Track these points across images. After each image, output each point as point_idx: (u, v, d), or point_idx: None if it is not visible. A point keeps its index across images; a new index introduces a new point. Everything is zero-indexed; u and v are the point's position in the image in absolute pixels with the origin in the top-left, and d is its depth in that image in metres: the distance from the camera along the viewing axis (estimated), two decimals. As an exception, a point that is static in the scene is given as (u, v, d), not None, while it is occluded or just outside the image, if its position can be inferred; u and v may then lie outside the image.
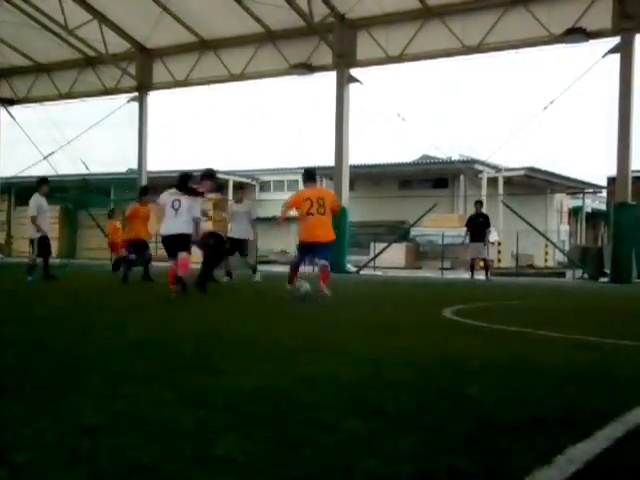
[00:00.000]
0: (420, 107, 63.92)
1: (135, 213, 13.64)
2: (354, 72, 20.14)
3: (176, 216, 9.45)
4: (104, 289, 11.84)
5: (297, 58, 20.64)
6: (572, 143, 79.84)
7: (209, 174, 10.56)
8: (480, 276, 16.92)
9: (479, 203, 17.57)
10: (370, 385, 3.44)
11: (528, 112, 20.11)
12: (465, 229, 17.22)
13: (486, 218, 16.95)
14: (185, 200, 9.54)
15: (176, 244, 9.47)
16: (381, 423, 2.65)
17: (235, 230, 13.95)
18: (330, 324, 6.50)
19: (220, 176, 35.09)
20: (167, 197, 9.70)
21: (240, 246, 13.78)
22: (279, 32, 21.09)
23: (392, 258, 23.93)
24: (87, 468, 2.05)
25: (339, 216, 11.14)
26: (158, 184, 30.34)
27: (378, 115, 45.58)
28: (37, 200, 13.06)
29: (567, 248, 29.29)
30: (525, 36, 17.94)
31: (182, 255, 9.44)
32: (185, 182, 9.81)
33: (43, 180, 13.63)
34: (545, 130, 67.43)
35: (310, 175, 9.98)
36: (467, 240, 17.17)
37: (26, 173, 26.92)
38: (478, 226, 16.73)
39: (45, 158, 25.21)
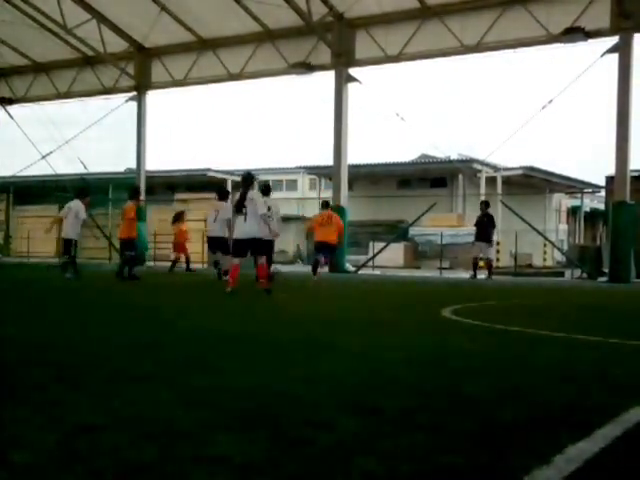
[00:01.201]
0: (419, 106, 64.04)
1: (134, 213, 14.17)
2: (353, 71, 20.13)
3: (245, 220, 9.93)
4: (105, 288, 11.84)
5: (296, 57, 20.62)
6: (571, 142, 79.89)
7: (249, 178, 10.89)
8: (481, 275, 17.02)
9: (484, 203, 17.75)
10: (369, 384, 3.44)
11: (527, 112, 20.13)
12: (474, 229, 17.51)
13: (490, 218, 17.19)
14: (250, 204, 9.93)
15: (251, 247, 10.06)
16: (380, 422, 2.65)
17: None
18: (329, 323, 6.51)
19: (218, 176, 35.20)
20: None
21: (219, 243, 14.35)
22: (278, 31, 21.07)
23: (391, 257, 23.94)
24: (86, 468, 2.05)
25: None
26: (156, 183, 30.56)
27: (377, 114, 45.61)
28: (77, 206, 13.74)
29: (566, 247, 29.33)
30: (523, 35, 17.94)
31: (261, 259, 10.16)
32: (250, 184, 10.29)
33: (86, 192, 14.65)
34: (544, 130, 67.53)
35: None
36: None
37: (24, 173, 26.89)
38: (483, 226, 16.97)
39: (44, 157, 25.18)
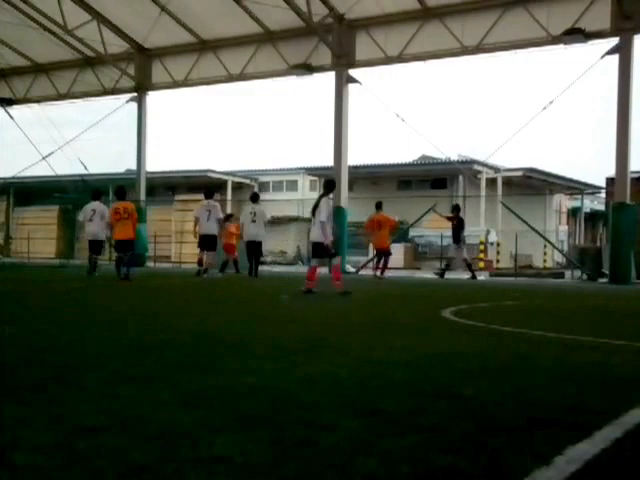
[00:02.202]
0: (419, 107, 64.03)
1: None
2: (353, 72, 20.14)
3: (313, 225, 10.52)
4: (106, 289, 11.84)
5: (296, 58, 20.63)
6: (571, 144, 79.93)
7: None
8: (481, 277, 17.33)
9: (454, 207, 18.36)
10: (369, 385, 3.44)
11: (527, 113, 20.15)
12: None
13: (460, 221, 17.76)
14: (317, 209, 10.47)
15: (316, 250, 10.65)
16: (380, 423, 2.65)
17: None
18: (329, 324, 6.51)
19: (219, 177, 35.22)
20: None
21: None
22: (278, 32, 21.08)
23: (391, 258, 23.88)
24: (85, 468, 2.05)
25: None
26: (156, 184, 30.56)
27: (377, 115, 45.62)
28: (102, 208, 14.91)
29: (566, 248, 29.32)
30: (524, 37, 17.93)
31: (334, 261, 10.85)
32: (332, 190, 10.87)
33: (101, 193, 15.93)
34: (544, 131, 67.50)
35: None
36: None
37: (25, 173, 26.86)
38: (453, 228, 17.76)
39: (44, 158, 25.15)
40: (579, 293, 13.36)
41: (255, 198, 16.65)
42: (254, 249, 16.02)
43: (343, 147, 20.15)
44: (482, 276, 17.22)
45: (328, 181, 11.27)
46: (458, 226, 17.62)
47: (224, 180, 35.28)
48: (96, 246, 14.89)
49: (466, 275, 17.91)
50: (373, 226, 17.03)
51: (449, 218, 17.87)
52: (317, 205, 10.44)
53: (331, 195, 10.65)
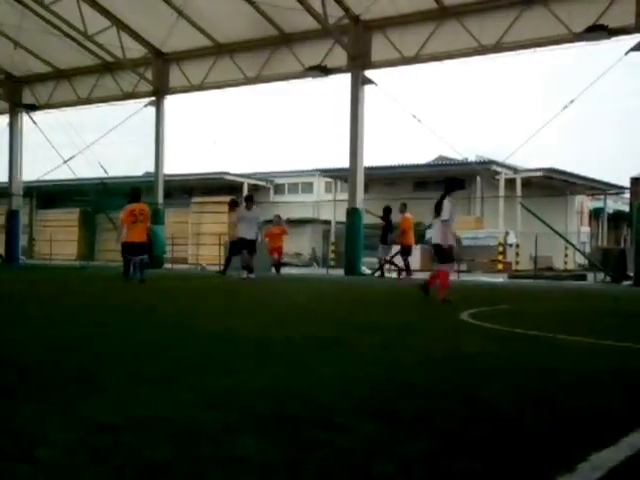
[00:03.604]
0: (436, 108, 63.77)
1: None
2: (369, 73, 20.10)
3: (434, 226, 9.98)
4: (121, 289, 11.91)
5: (312, 60, 20.64)
6: (593, 143, 79.22)
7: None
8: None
9: (384, 209, 18.81)
10: (385, 387, 3.44)
11: (547, 112, 19.97)
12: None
13: (389, 223, 18.40)
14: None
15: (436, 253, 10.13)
16: (396, 425, 2.65)
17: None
18: (344, 325, 6.50)
19: (234, 179, 35.33)
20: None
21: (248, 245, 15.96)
22: (294, 34, 21.12)
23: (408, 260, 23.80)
24: (106, 466, 2.08)
25: None
26: (173, 187, 30.70)
27: (393, 116, 45.54)
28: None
29: (588, 250, 28.97)
30: (544, 34, 17.67)
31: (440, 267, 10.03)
32: (453, 189, 10.04)
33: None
34: (565, 130, 66.93)
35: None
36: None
37: (47, 177, 27.20)
38: (382, 230, 18.47)
39: (65, 162, 25.43)
40: (602, 295, 13.21)
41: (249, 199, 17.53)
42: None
43: (359, 148, 20.11)
44: (500, 278, 17.09)
45: (449, 179, 10.43)
46: (386, 227, 18.26)
47: (240, 182, 35.39)
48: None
49: (376, 273, 19.02)
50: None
51: (381, 218, 18.49)
52: (439, 204, 9.72)
53: (453, 194, 9.73)
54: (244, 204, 17.00)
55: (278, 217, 19.82)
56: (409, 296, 12.11)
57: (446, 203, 9.65)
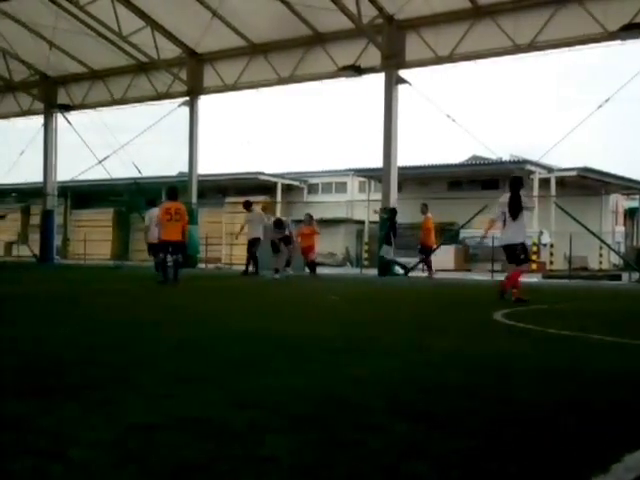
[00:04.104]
0: (470, 107, 63.28)
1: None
2: (403, 73, 20.02)
3: (511, 225, 9.77)
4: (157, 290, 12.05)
5: (345, 60, 20.62)
6: (629, 142, 77.83)
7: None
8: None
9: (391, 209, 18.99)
10: (418, 387, 3.42)
11: (582, 111, 19.69)
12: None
13: (393, 224, 18.64)
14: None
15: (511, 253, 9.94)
16: (430, 426, 2.64)
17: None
18: (378, 325, 6.49)
19: (268, 179, 35.47)
20: (497, 207, 9.98)
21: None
22: (327, 34, 21.12)
23: (441, 260, 23.67)
24: (140, 466, 2.09)
25: None
26: (207, 187, 30.94)
27: (427, 116, 45.31)
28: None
29: (623, 250, 28.52)
30: (579, 33, 17.49)
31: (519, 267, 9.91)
32: (522, 186, 10.05)
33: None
34: (600, 129, 65.84)
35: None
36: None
37: (81, 177, 27.56)
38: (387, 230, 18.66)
39: (100, 162, 25.77)
40: (637, 296, 12.99)
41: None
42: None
43: (392, 148, 20.03)
44: (534, 278, 16.89)
45: (519, 178, 10.40)
46: (391, 228, 18.52)
47: (274, 182, 35.50)
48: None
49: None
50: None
51: (387, 219, 18.69)
52: (518, 201, 9.64)
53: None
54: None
55: (309, 216, 19.57)
56: (442, 296, 12.04)
57: (527, 199, 9.77)
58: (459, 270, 25.53)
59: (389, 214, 18.69)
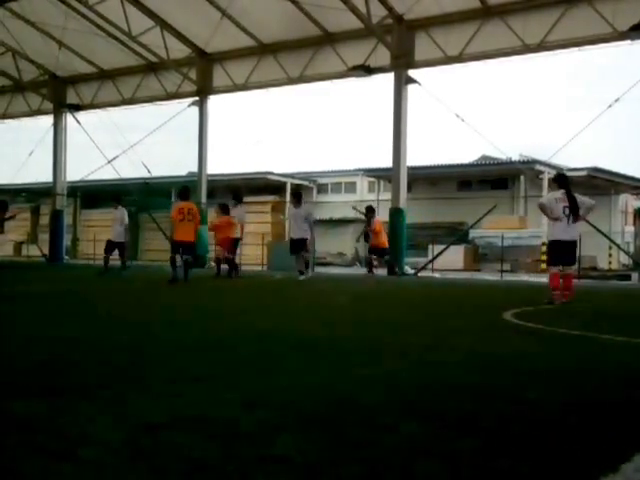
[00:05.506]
0: (479, 107, 63.12)
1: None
2: (412, 73, 20.00)
3: (568, 224, 9.54)
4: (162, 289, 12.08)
5: (355, 60, 20.62)
6: (637, 142, 77.42)
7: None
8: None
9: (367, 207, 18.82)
10: (429, 387, 3.41)
11: (591, 111, 19.62)
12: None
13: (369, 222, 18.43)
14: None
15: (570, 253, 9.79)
16: (441, 425, 2.63)
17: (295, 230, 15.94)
18: (388, 324, 6.48)
19: (278, 179, 35.51)
20: (553, 202, 9.60)
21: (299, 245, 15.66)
22: (337, 34, 21.12)
23: (450, 260, 23.65)
24: (149, 465, 2.10)
25: None
26: (217, 187, 30.99)
27: (436, 115, 45.23)
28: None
29: (632, 250, 28.38)
30: (588, 33, 17.45)
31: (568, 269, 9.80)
32: (567, 179, 9.88)
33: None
34: (610, 129, 65.55)
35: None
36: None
37: (91, 177, 27.65)
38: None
39: (109, 162, 25.86)
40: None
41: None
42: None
43: (402, 148, 20.00)
44: (544, 278, 16.79)
45: (564, 176, 10.24)
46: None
47: (283, 182, 35.53)
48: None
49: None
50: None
51: (364, 215, 18.56)
52: (574, 198, 9.46)
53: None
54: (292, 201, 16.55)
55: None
56: (452, 296, 12.02)
57: (583, 198, 9.68)
58: (468, 270, 25.47)
59: (367, 212, 18.53)
